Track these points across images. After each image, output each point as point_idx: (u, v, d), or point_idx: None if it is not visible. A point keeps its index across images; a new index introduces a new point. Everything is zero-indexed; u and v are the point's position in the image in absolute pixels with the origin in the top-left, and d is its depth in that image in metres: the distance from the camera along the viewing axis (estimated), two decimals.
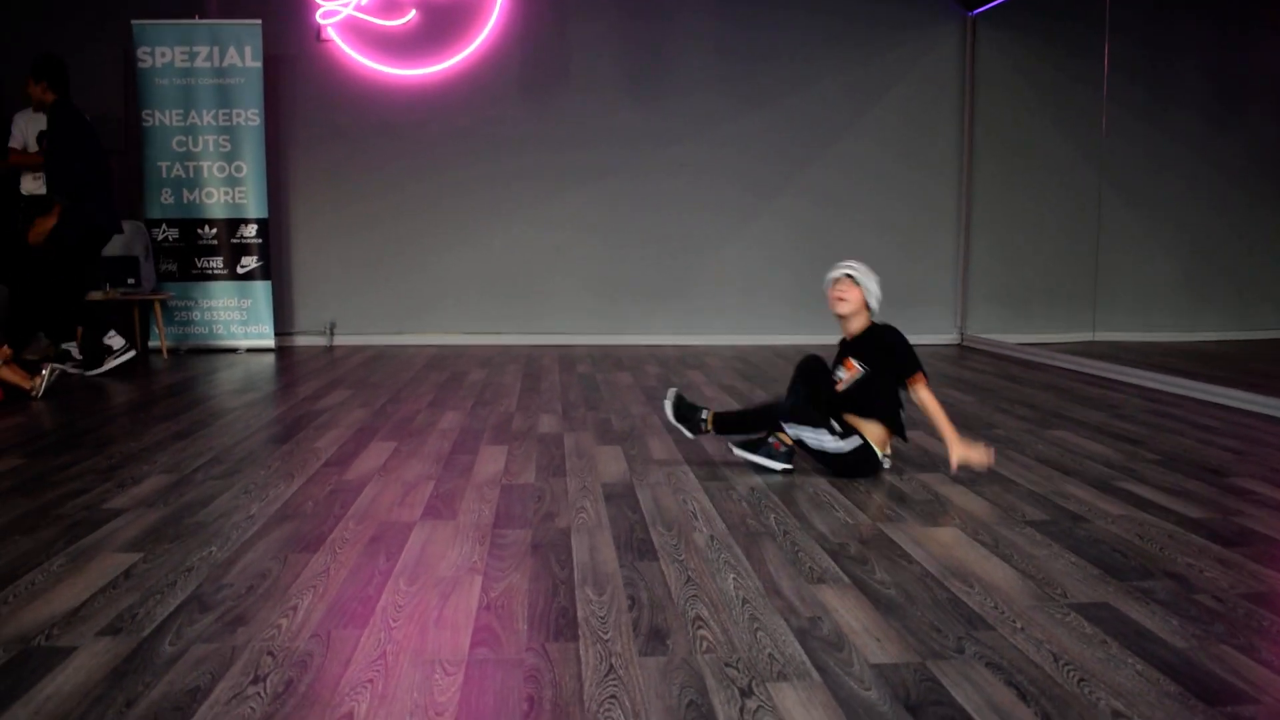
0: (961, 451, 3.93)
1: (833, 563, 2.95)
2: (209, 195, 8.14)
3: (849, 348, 4.19)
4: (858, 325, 4.16)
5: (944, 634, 2.44)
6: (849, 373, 4.10)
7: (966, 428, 5.01)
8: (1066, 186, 8.92)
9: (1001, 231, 8.98)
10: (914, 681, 2.19)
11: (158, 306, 7.92)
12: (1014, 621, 2.52)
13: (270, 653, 2.30)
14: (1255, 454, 4.51)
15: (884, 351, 4.08)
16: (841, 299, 4.12)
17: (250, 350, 8.18)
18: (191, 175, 8.11)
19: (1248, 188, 9.15)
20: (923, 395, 4.03)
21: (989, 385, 6.51)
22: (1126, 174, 8.88)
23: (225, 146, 8.10)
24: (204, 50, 8.00)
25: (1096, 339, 8.65)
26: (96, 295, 7.77)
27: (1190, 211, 9.14)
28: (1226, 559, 3.01)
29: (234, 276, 8.21)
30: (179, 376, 6.81)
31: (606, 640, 2.38)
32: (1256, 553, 3.07)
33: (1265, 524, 3.39)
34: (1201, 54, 9.12)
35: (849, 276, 4.11)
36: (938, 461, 4.27)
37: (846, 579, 2.81)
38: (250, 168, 8.14)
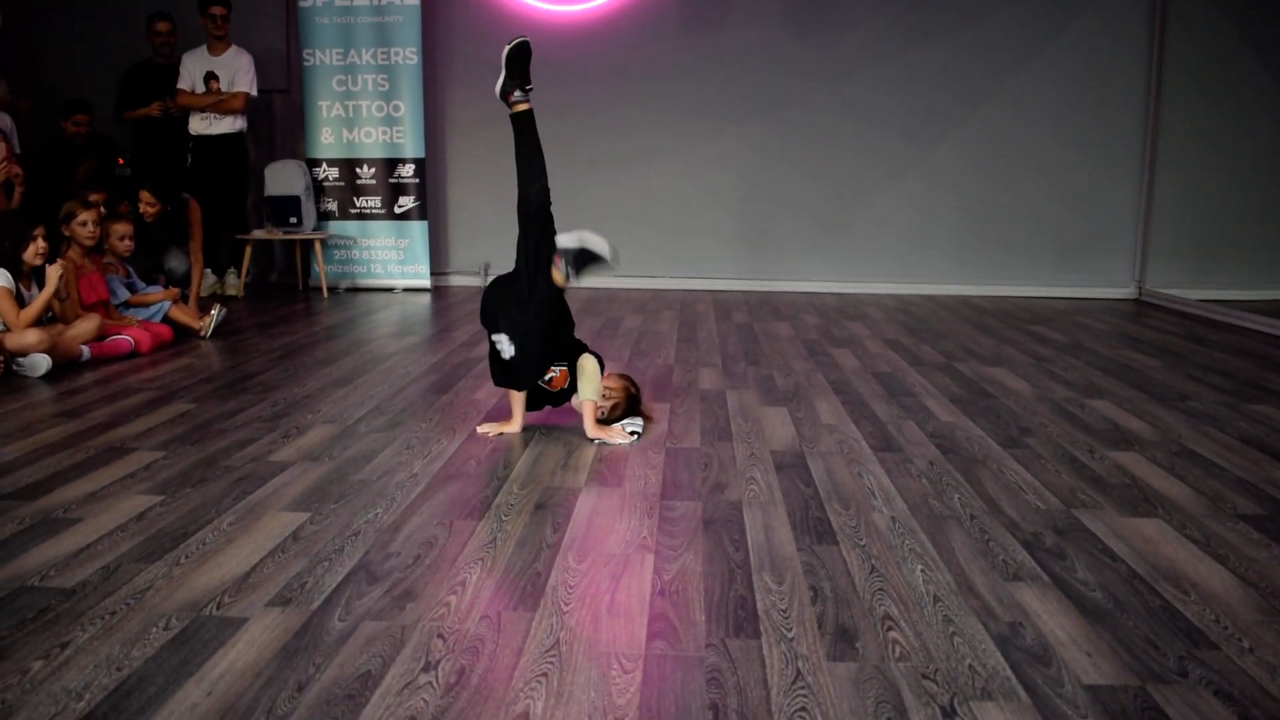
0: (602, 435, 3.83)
1: (1028, 556, 2.73)
2: (368, 135, 8.15)
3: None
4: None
5: (1163, 651, 2.21)
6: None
7: (1157, 398, 4.67)
8: (1267, 129, 8.24)
9: (1188, 179, 8.36)
10: (1135, 710, 1.97)
11: (318, 245, 8.02)
12: (1240, 640, 2.27)
13: (441, 635, 2.22)
14: None
15: None
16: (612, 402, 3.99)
17: (406, 290, 8.23)
18: (351, 114, 8.13)
19: None
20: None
21: (1174, 348, 6.08)
22: None
23: (384, 85, 8.09)
24: None
25: None
26: (260, 234, 7.91)
27: None
28: None
29: (391, 216, 8.24)
30: (338, 317, 6.87)
31: (791, 639, 2.22)
32: None
33: None
34: None
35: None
36: (1131, 439, 3.96)
37: (1046, 577, 2.59)
38: (408, 107, 8.12)
